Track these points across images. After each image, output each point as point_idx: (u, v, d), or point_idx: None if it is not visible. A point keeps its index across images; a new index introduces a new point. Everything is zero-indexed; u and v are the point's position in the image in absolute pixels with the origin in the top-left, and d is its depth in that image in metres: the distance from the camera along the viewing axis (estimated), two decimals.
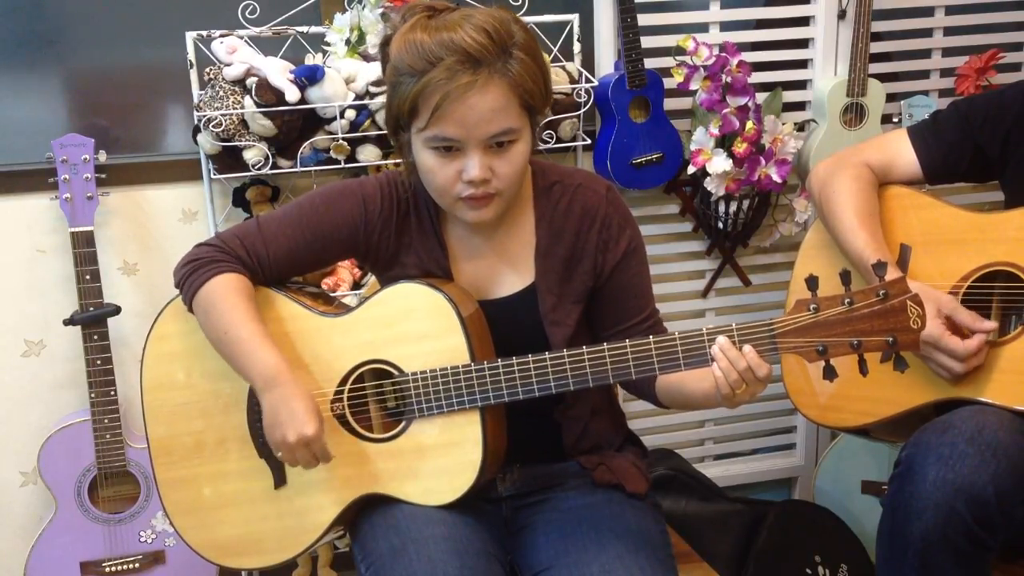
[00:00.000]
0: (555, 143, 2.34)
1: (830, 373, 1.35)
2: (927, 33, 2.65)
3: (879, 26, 2.55)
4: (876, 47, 2.53)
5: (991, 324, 1.70)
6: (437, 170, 1.42)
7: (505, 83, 1.37)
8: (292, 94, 2.10)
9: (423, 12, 1.42)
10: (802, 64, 2.59)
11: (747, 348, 1.35)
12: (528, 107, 1.42)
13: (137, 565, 2.30)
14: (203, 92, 2.18)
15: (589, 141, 2.42)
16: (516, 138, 1.42)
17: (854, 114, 2.50)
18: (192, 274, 1.51)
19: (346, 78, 2.17)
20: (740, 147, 2.39)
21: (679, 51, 2.39)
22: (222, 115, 2.10)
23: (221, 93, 2.13)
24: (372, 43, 2.21)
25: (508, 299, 1.57)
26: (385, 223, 1.55)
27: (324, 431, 1.44)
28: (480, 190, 1.42)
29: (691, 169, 2.44)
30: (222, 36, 2.18)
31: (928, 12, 2.63)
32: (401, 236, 1.56)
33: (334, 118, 2.15)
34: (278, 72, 2.12)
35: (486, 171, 1.41)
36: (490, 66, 1.36)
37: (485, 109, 1.37)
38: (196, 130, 2.18)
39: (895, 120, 2.58)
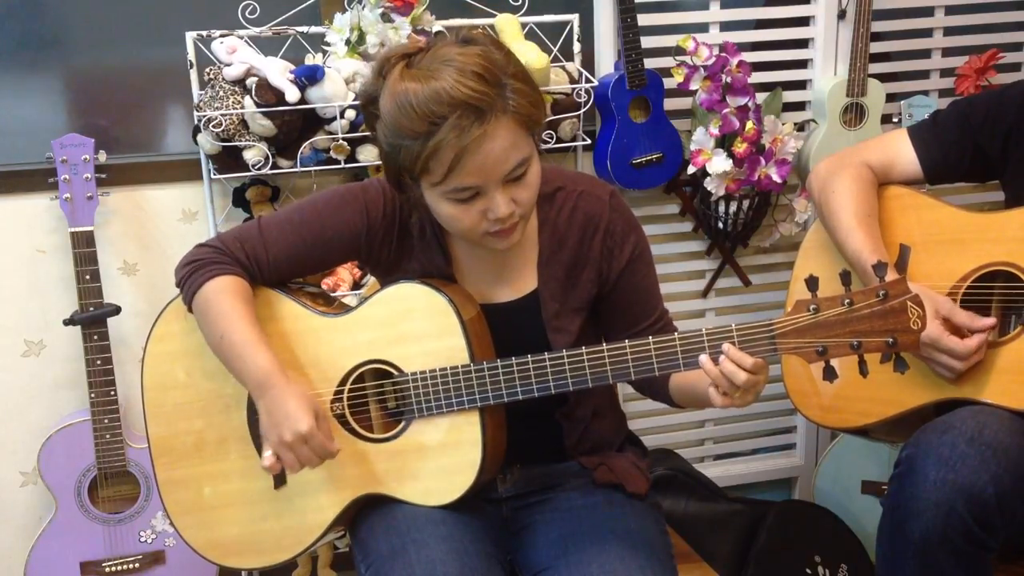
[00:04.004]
0: (555, 143, 2.34)
1: (830, 374, 1.35)
2: (927, 33, 2.64)
3: (879, 26, 2.55)
4: (876, 47, 2.53)
5: (990, 321, 1.70)
6: (461, 216, 1.39)
7: (511, 120, 1.34)
8: (292, 94, 2.10)
9: (400, 62, 1.37)
10: (802, 64, 2.59)
11: (721, 358, 1.35)
12: (532, 130, 1.40)
13: (137, 565, 2.30)
14: (203, 92, 2.18)
15: (589, 141, 2.42)
16: (529, 164, 1.40)
17: (854, 114, 2.50)
18: (191, 275, 1.51)
19: (346, 78, 2.17)
20: (740, 147, 2.39)
21: (679, 51, 2.39)
22: (222, 115, 2.10)
23: (221, 93, 2.13)
24: (372, 43, 2.21)
25: (510, 304, 1.56)
26: (387, 228, 1.55)
27: (322, 427, 1.42)
28: (508, 223, 1.40)
29: (691, 169, 2.44)
30: (222, 36, 2.18)
31: (928, 12, 2.63)
32: (403, 241, 1.56)
33: (334, 118, 2.15)
34: (278, 72, 2.12)
35: (511, 205, 1.38)
36: (493, 109, 1.33)
37: (499, 151, 1.34)
38: (196, 130, 2.18)
39: (895, 120, 2.58)
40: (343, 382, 1.52)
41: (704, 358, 1.36)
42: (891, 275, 1.32)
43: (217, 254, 1.52)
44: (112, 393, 2.21)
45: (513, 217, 1.40)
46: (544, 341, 1.53)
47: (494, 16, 2.30)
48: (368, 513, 1.53)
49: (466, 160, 1.32)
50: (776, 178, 2.43)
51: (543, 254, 1.55)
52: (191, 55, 2.21)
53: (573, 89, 2.32)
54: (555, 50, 2.38)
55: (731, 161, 2.39)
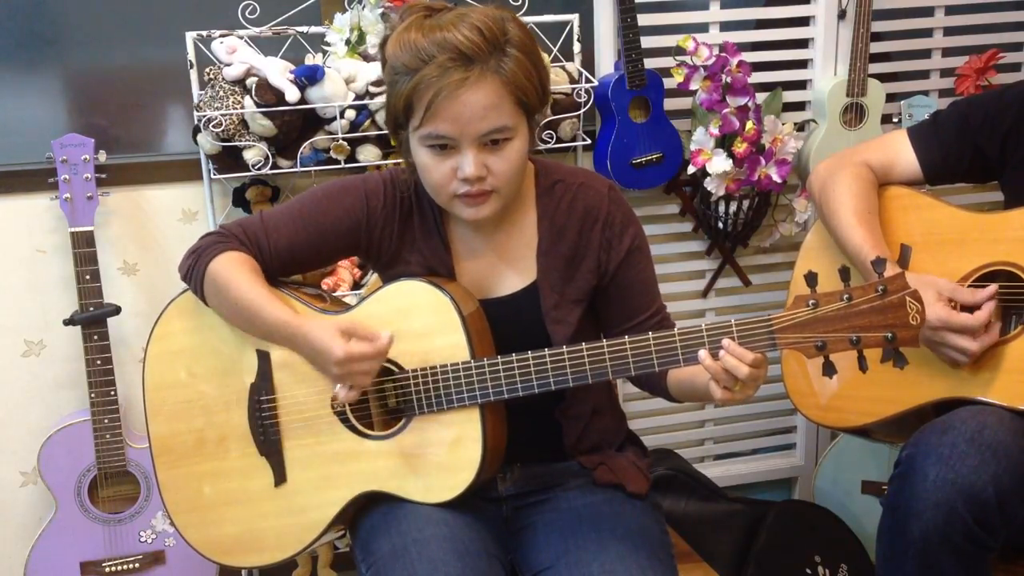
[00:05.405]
0: (555, 143, 2.34)
1: (829, 369, 1.35)
2: (927, 33, 2.65)
3: (879, 26, 2.55)
4: (876, 47, 2.53)
5: (991, 289, 1.69)
6: (433, 168, 1.43)
7: (498, 80, 1.38)
8: (292, 94, 2.10)
9: (420, 12, 1.43)
10: (802, 64, 2.59)
11: (722, 353, 1.35)
12: (523, 105, 1.42)
13: (137, 565, 2.30)
14: (203, 92, 2.18)
15: (589, 141, 2.42)
16: (511, 136, 1.42)
17: (854, 114, 2.50)
18: (197, 261, 1.52)
19: (346, 78, 2.17)
20: (740, 147, 2.39)
21: (679, 51, 2.40)
22: (222, 115, 2.10)
23: (221, 93, 2.13)
24: (372, 43, 2.21)
25: (510, 297, 1.57)
26: (387, 219, 1.55)
27: (358, 335, 1.40)
28: (476, 187, 1.42)
29: (691, 169, 2.44)
30: (222, 36, 2.19)
31: (928, 12, 2.63)
32: (404, 233, 1.56)
33: (334, 118, 2.15)
34: (278, 72, 2.12)
35: (481, 168, 1.41)
36: (483, 63, 1.37)
37: (478, 106, 1.37)
38: (196, 130, 2.18)
39: (895, 120, 2.58)
40: None
41: (703, 354, 1.36)
42: (890, 270, 1.32)
43: (219, 237, 1.54)
44: (112, 393, 2.21)
45: (483, 184, 1.42)
46: (543, 333, 1.53)
47: None
48: (369, 512, 1.53)
49: (442, 103, 1.36)
50: (776, 178, 2.44)
51: (542, 245, 1.56)
52: (191, 55, 2.21)
53: (573, 89, 2.33)
54: (555, 50, 2.38)
55: (731, 161, 2.40)
